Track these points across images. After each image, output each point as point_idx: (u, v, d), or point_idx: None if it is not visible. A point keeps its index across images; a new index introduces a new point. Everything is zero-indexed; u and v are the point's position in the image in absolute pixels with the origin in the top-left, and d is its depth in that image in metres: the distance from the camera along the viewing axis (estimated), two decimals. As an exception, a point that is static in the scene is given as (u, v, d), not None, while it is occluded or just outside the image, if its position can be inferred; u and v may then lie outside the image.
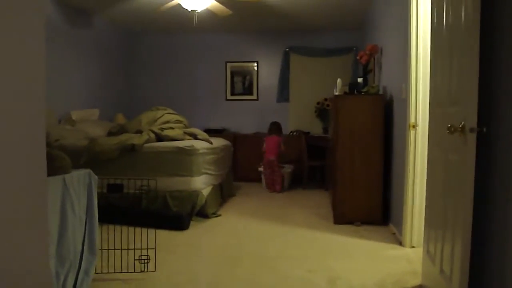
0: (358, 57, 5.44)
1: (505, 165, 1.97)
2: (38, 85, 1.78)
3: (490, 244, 2.11)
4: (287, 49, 7.90)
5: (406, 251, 3.76)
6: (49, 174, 2.29)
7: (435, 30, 2.84)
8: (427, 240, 2.93)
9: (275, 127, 6.93)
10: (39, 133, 1.82)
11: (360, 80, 5.16)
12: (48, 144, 4.57)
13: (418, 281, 3.06)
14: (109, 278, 3.08)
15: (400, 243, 3.92)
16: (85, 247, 2.85)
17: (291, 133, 7.65)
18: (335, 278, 3.15)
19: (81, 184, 2.81)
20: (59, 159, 2.61)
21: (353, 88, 4.88)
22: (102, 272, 3.10)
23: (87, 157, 4.66)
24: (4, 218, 1.59)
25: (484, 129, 2.11)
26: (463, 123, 2.19)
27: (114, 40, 7.68)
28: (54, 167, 2.52)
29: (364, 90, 4.81)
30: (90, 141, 4.93)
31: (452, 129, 2.27)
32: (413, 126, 3.70)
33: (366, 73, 5.30)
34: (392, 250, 3.79)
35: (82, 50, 6.57)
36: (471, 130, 2.11)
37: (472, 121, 2.11)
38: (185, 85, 8.25)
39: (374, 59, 5.45)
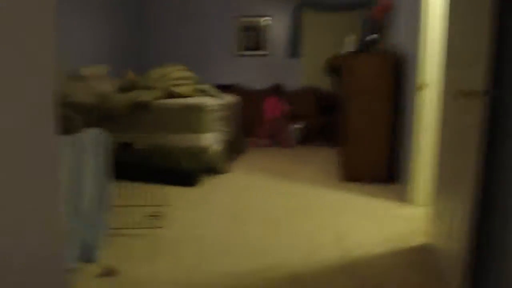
0: (371, 14, 5.32)
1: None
2: (47, 41, 1.77)
3: (498, 204, 2.13)
4: (299, 3, 7.72)
5: (412, 209, 3.80)
6: (61, 134, 2.32)
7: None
8: (435, 199, 2.96)
9: (274, 88, 7.15)
10: (48, 91, 1.82)
11: (371, 37, 5.06)
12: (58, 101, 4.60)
13: (425, 239, 3.11)
14: (122, 234, 3.18)
15: (408, 202, 3.96)
16: (98, 203, 2.92)
17: (303, 89, 7.59)
18: (341, 235, 3.22)
19: (93, 143, 2.85)
20: (70, 119, 2.64)
21: (364, 45, 4.81)
22: (115, 228, 3.19)
23: (98, 114, 4.70)
24: (17, 177, 1.63)
25: (497, 92, 2.08)
26: (476, 86, 2.16)
27: (123, -6, 7.56)
28: (66, 127, 2.55)
29: (376, 47, 4.73)
30: (101, 97, 4.95)
31: (465, 91, 2.25)
32: (423, 86, 3.67)
33: (378, 30, 5.20)
34: (399, 209, 3.84)
35: (90, 6, 6.47)
36: (484, 93, 2.09)
37: (485, 84, 2.08)
38: (195, 41, 8.15)
39: (387, 16, 5.33)
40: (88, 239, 2.79)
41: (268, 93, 7.22)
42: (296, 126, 6.92)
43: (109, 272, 2.56)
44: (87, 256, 2.73)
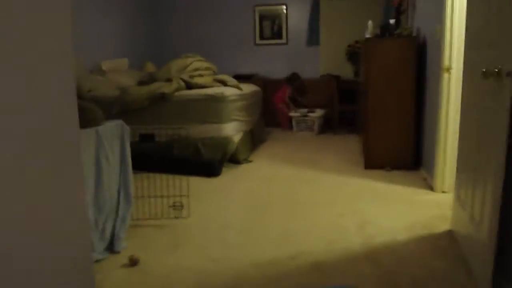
0: (390, -3, 5.23)
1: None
2: (65, 37, 1.79)
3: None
4: (317, -10, 7.63)
5: (436, 196, 3.75)
6: (82, 127, 2.35)
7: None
8: (458, 185, 2.91)
9: (290, 77, 7.44)
10: (69, 85, 1.84)
11: (392, 21, 4.97)
12: (80, 96, 4.66)
13: (447, 226, 3.07)
14: (145, 225, 3.22)
15: (431, 188, 3.91)
16: (121, 195, 2.96)
17: (322, 77, 7.54)
18: (364, 222, 3.20)
19: (114, 135, 2.88)
20: (91, 112, 2.67)
21: (384, 30, 4.73)
22: (138, 219, 3.23)
23: (119, 107, 4.75)
24: (41, 171, 1.66)
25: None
26: (499, 67, 2.10)
27: (141, -14, 7.59)
28: (87, 120, 2.58)
29: (397, 32, 4.65)
30: (121, 91, 4.99)
31: (488, 73, 2.19)
32: (447, 69, 3.59)
33: (398, 14, 5.10)
34: (423, 195, 3.79)
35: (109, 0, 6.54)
36: (508, 74, 2.03)
37: (510, 65, 2.02)
38: (213, 31, 8.14)
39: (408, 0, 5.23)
40: (112, 230, 2.83)
41: (284, 82, 7.48)
42: (316, 114, 6.89)
43: (134, 262, 2.59)
44: (111, 247, 2.78)
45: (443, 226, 3.08)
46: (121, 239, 2.83)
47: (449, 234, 2.94)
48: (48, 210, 1.70)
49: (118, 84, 5.49)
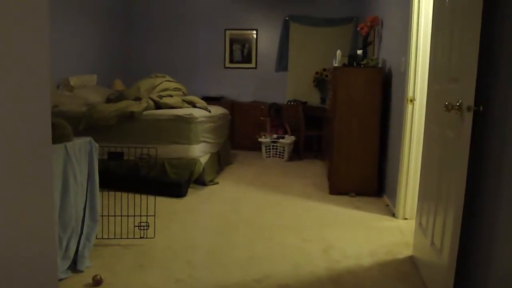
0: (358, 29, 5.41)
1: (499, 144, 2.02)
2: (43, 52, 1.79)
3: (480, 219, 2.18)
4: (287, 18, 7.81)
5: (398, 222, 3.85)
6: (52, 142, 2.32)
7: (437, 3, 2.84)
8: (419, 213, 3.01)
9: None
10: (44, 101, 1.84)
11: (359, 52, 5.15)
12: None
13: (409, 252, 3.15)
14: (110, 244, 3.16)
15: (393, 215, 4.01)
16: (86, 213, 2.91)
17: (289, 103, 7.65)
18: (329, 247, 3.25)
19: (83, 152, 2.85)
20: (61, 127, 2.64)
21: (352, 60, 4.88)
22: (103, 238, 3.18)
23: (86, 123, 4.69)
24: (11, 186, 1.63)
25: (481, 108, 2.14)
26: (460, 101, 2.22)
27: (112, 4, 7.57)
28: (56, 135, 2.55)
29: (364, 62, 4.81)
30: (89, 107, 4.94)
31: (450, 107, 2.30)
32: (411, 100, 3.74)
33: (366, 45, 5.29)
34: (385, 222, 3.88)
35: (80, 15, 6.48)
36: (468, 108, 2.15)
37: (470, 100, 2.14)
38: (183, 52, 8.19)
39: (374, 31, 5.43)
40: (76, 249, 2.78)
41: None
42: (286, 140, 6.86)
43: (97, 282, 2.55)
44: (75, 266, 2.72)
45: (405, 252, 3.17)
46: (85, 258, 2.78)
47: (411, 260, 3.03)
48: (15, 227, 1.67)
49: (86, 100, 5.43)
